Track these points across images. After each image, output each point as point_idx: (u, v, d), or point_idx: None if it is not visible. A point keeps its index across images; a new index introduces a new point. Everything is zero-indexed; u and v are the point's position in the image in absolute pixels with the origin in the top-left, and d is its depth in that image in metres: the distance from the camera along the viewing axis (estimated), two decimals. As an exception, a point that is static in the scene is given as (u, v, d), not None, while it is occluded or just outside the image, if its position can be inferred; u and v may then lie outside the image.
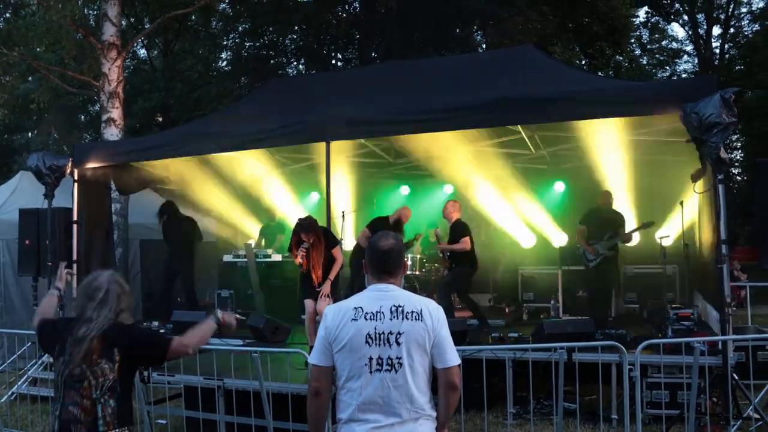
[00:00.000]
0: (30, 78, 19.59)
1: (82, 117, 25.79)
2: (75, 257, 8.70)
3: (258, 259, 10.45)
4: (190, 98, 22.31)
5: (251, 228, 12.04)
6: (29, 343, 8.25)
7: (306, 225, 7.05)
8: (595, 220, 8.77)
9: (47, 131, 25.67)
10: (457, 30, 20.46)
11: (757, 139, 21.26)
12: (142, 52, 24.58)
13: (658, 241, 9.13)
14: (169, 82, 21.90)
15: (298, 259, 7.12)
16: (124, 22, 12.93)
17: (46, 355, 8.02)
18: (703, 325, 7.21)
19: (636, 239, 9.58)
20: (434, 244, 11.00)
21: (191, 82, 22.99)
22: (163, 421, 6.33)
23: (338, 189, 10.70)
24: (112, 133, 11.24)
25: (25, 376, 7.85)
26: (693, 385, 4.89)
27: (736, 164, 28.70)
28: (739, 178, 29.33)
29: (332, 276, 7.13)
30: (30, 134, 26.41)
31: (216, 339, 7.82)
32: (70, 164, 8.53)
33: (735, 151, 28.03)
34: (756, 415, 5.48)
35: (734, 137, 28.51)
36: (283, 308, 10.13)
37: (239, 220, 12.19)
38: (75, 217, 8.72)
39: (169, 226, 10.18)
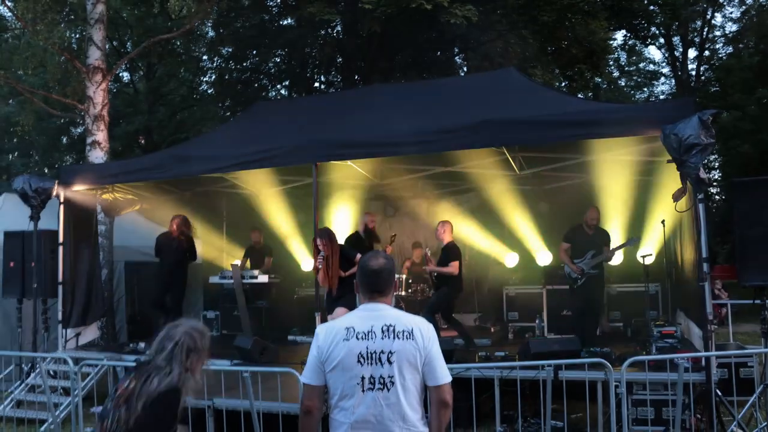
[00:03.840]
0: (11, 101, 19.55)
1: (64, 139, 25.68)
2: (60, 279, 8.68)
3: (245, 280, 10.44)
4: (173, 121, 22.31)
5: (237, 249, 12.02)
6: (13, 365, 8.20)
7: (321, 231, 7.41)
8: (578, 237, 8.85)
9: (28, 153, 25.54)
10: (438, 53, 20.70)
11: (734, 159, 21.63)
12: (125, 75, 24.59)
13: (641, 260, 9.26)
14: (151, 105, 21.91)
15: (317, 266, 7.41)
16: (107, 46, 12.98)
17: (31, 377, 7.99)
18: (686, 342, 7.31)
19: (619, 258, 9.69)
20: (422, 264, 11.08)
21: (174, 105, 23.01)
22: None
23: (326, 210, 10.84)
24: (97, 156, 11.24)
25: (10, 397, 7.77)
26: (678, 401, 4.97)
27: (714, 184, 29.17)
28: (717, 197, 29.77)
29: (346, 273, 7.44)
30: (11, 156, 26.24)
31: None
32: (56, 186, 8.54)
33: (712, 171, 28.48)
34: (740, 431, 5.57)
35: (712, 157, 29.00)
36: (270, 329, 10.13)
37: (225, 242, 12.21)
38: (61, 239, 8.71)
39: (166, 241, 10.00)
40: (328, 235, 7.43)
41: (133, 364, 3.52)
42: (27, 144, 24.73)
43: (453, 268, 8.61)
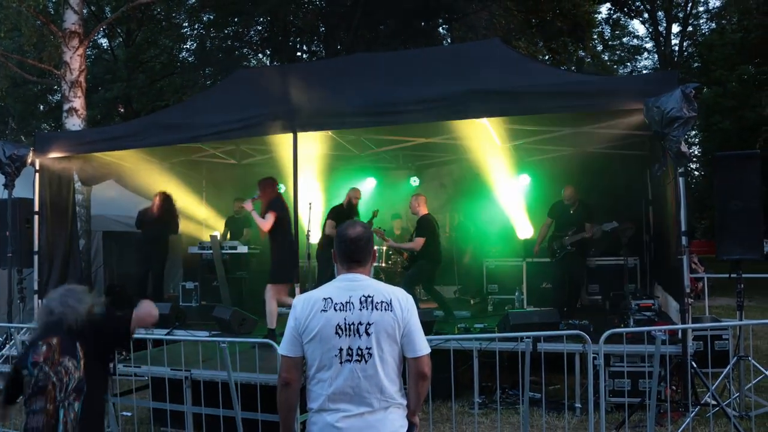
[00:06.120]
0: (-14, 65, 19.11)
1: (41, 106, 25.22)
2: (36, 249, 8.55)
3: (223, 251, 10.36)
4: (153, 89, 21.97)
5: (217, 219, 11.92)
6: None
7: (260, 180, 7.43)
8: (560, 213, 8.88)
9: (4, 120, 25.09)
10: (423, 24, 20.52)
11: (714, 135, 21.77)
12: (104, 41, 24.12)
13: (619, 233, 9.29)
14: (131, 72, 21.54)
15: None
16: (84, 11, 12.66)
17: (6, 348, 7.91)
18: (663, 315, 7.39)
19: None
20: (400, 234, 11.07)
21: (154, 72, 22.63)
22: (128, 413, 6.27)
23: (304, 181, 10.71)
24: (74, 123, 11.03)
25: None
26: (654, 373, 5.00)
27: (694, 159, 29.38)
28: (696, 173, 30.02)
29: (246, 207, 7.60)
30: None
31: (182, 331, 7.84)
32: (31, 154, 8.36)
33: (692, 147, 28.67)
34: (713, 402, 5.65)
35: (692, 133, 29.17)
36: (249, 300, 10.08)
37: (204, 212, 12.09)
38: (36, 208, 8.56)
39: (148, 215, 9.95)
40: (264, 183, 7.41)
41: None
42: (2, 110, 24.27)
43: (416, 243, 8.54)
